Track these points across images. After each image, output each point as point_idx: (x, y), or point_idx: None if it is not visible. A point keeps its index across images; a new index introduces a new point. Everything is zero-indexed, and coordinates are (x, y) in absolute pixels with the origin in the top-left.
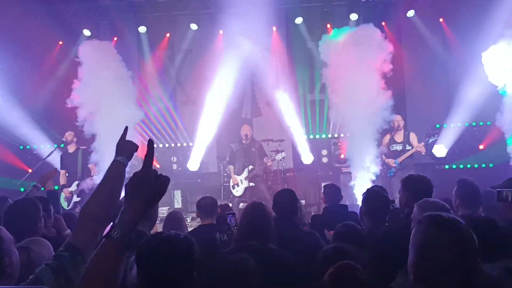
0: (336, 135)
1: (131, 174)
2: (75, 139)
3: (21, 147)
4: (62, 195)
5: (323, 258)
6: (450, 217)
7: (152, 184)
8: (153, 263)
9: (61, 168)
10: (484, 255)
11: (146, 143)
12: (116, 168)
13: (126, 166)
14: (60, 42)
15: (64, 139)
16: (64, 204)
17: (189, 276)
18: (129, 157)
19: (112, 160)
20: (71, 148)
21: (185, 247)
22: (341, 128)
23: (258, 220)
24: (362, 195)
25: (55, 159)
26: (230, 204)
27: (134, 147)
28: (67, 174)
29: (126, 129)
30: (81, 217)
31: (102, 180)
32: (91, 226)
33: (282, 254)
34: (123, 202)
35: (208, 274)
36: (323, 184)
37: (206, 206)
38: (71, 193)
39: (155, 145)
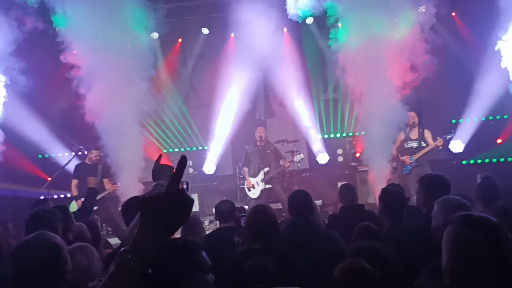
0: (351, 134)
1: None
2: (98, 158)
3: (40, 156)
4: (74, 205)
5: (354, 255)
6: (482, 216)
7: (175, 211)
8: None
9: (74, 178)
10: None
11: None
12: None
13: None
14: (75, 52)
15: (90, 156)
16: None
17: (191, 280)
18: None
19: (154, 184)
20: (90, 160)
21: (187, 253)
22: (356, 127)
23: (261, 223)
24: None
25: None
26: (246, 207)
27: (171, 170)
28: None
29: (160, 156)
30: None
31: None
32: None
33: (288, 255)
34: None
35: (225, 276)
36: (339, 185)
37: (224, 211)
38: None
39: (171, 150)
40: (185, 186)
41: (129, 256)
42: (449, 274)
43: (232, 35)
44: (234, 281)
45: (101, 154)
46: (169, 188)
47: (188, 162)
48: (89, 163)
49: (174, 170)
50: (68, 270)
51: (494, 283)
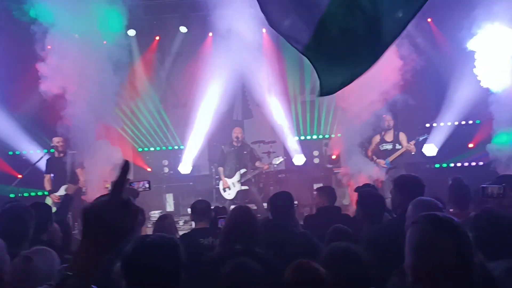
0: (327, 136)
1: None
2: (63, 145)
3: (10, 152)
4: (49, 200)
5: (330, 257)
6: (444, 216)
7: (119, 220)
8: (140, 266)
9: (46, 173)
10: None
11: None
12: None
13: None
14: (49, 47)
15: (53, 145)
16: (52, 209)
17: (175, 278)
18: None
19: None
20: (57, 151)
21: (171, 249)
22: (332, 129)
23: (243, 224)
24: (355, 190)
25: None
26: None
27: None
28: (52, 178)
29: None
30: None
31: None
32: None
33: (268, 258)
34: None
35: (195, 279)
36: (315, 186)
37: (199, 210)
38: (60, 198)
39: (146, 149)
40: (147, 185)
41: (70, 273)
42: (411, 274)
43: (210, 34)
44: (213, 282)
45: (63, 141)
46: (111, 196)
47: (163, 161)
48: (57, 156)
49: (118, 177)
50: (4, 271)
51: (455, 283)
